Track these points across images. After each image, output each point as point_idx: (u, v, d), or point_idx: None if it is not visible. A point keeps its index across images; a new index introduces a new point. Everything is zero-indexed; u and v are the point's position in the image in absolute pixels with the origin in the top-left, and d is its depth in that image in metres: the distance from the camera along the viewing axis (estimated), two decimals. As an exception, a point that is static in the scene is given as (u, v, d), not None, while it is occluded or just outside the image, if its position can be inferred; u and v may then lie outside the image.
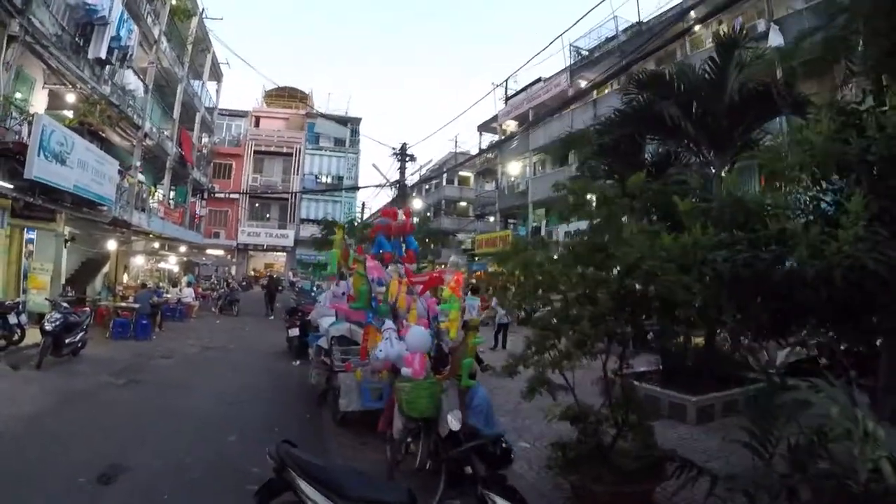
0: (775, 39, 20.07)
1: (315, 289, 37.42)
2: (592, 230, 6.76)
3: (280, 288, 46.12)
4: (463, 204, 56.56)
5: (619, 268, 5.80)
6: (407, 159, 32.57)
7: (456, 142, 53.68)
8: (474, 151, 48.43)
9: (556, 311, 6.18)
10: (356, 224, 43.47)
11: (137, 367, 13.81)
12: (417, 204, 47.45)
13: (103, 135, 21.57)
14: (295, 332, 16.66)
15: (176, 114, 29.74)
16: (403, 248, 9.61)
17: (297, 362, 15.53)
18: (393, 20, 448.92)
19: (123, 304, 19.51)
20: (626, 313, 5.95)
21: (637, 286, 5.75)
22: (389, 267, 8.61)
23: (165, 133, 28.52)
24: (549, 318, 6.19)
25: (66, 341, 13.34)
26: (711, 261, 4.64)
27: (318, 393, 11.05)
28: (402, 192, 32.67)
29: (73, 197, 17.02)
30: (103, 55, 18.57)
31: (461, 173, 54.83)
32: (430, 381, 6.62)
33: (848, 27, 9.15)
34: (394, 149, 32.35)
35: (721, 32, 13.51)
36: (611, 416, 6.16)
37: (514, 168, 43.84)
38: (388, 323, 7.86)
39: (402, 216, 9.72)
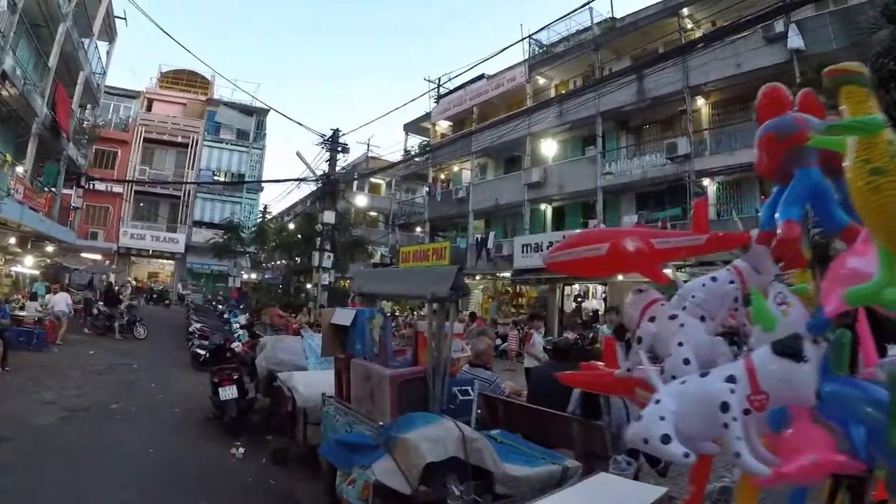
0: (795, 42, 19.04)
1: (217, 306, 29.90)
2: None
3: (166, 302, 38.45)
4: (373, 214, 49.52)
5: None
6: (339, 150, 25.72)
7: (369, 145, 47.08)
8: (391, 155, 42.57)
9: None
10: (268, 228, 36.62)
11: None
12: (361, 201, 40.52)
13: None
14: (231, 392, 9.36)
15: (52, 62, 21.70)
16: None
17: (241, 448, 8.40)
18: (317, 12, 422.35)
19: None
20: None
21: None
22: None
23: (36, 86, 20.47)
24: None
25: None
26: None
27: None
28: (333, 187, 25.65)
29: None
30: None
31: (372, 180, 48.20)
32: None
33: None
34: (323, 136, 25.39)
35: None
36: None
37: (446, 173, 38.86)
38: None
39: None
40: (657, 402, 2.97)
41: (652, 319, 3.81)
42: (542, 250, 26.05)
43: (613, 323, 11.85)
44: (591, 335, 19.94)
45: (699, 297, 4.13)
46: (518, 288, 31.23)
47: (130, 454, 7.90)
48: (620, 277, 24.16)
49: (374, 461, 4.51)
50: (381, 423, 5.21)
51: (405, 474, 4.29)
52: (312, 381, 7.57)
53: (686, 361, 3.44)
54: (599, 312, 26.36)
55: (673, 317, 3.76)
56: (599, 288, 27.45)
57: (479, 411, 5.99)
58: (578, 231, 4.45)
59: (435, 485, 4.27)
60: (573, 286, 28.21)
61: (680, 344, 3.52)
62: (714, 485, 3.69)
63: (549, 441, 5.56)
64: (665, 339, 3.68)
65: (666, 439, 2.78)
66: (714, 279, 4.12)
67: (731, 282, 4.07)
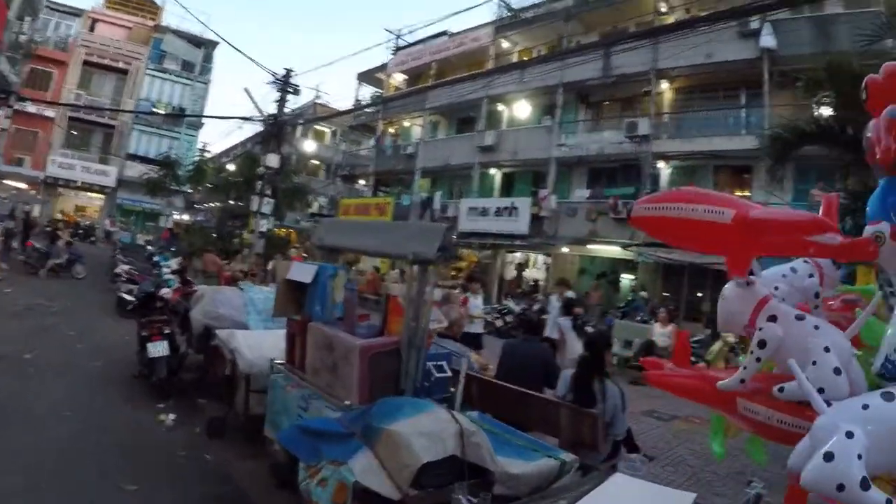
0: (768, 41, 19.08)
1: (146, 246, 28.14)
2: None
3: (92, 239, 36.22)
4: (315, 162, 48.06)
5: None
6: (290, 91, 24.32)
7: (318, 91, 45.52)
8: (340, 103, 41.27)
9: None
10: (206, 167, 34.91)
11: None
12: (309, 146, 38.98)
13: None
14: (161, 349, 8.19)
15: (-11, -35, 19.55)
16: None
17: (171, 415, 7.28)
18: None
19: None
20: None
21: None
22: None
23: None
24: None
25: None
26: None
27: None
28: (279, 130, 24.31)
29: None
30: None
31: (316, 127, 46.84)
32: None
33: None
34: (274, 74, 23.89)
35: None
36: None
37: (396, 128, 37.96)
38: None
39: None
40: (849, 434, 2.33)
41: (772, 319, 3.18)
42: (488, 215, 25.95)
43: (563, 297, 11.31)
44: (537, 307, 19.45)
45: (782, 289, 3.66)
46: (458, 251, 30.67)
47: (42, 418, 6.71)
48: (565, 249, 23.95)
49: (349, 456, 3.65)
50: (348, 403, 4.44)
51: (392, 476, 3.46)
52: (258, 344, 6.59)
53: (837, 371, 2.91)
54: (540, 282, 26.05)
55: (801, 317, 3.20)
56: (541, 258, 27.21)
57: (452, 389, 5.17)
58: (682, 188, 3.61)
59: (427, 486, 3.52)
60: (515, 254, 27.94)
61: (826, 349, 3.00)
62: (748, 491, 3.27)
63: (526, 425, 5.04)
64: (795, 343, 3.09)
65: (865, 484, 2.23)
66: (794, 270, 3.92)
67: (811, 275, 3.88)
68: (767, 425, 3.30)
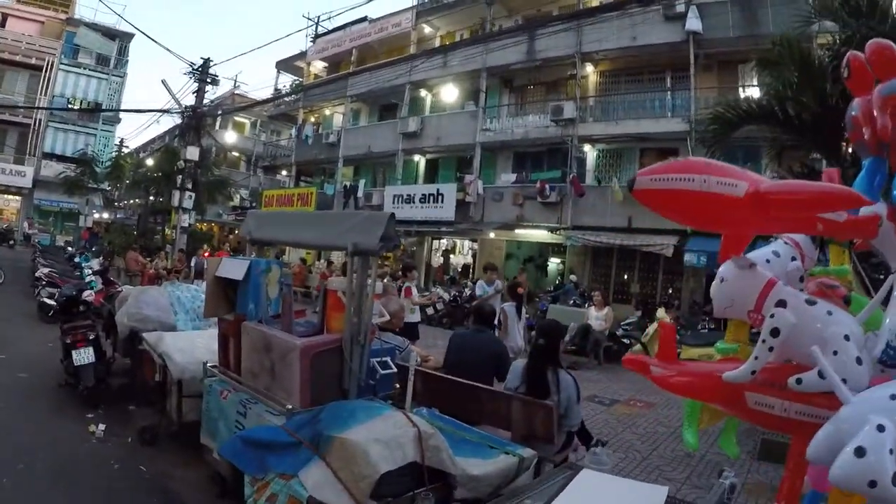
0: (693, 24, 18.67)
1: (66, 248, 26.78)
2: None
3: (11, 242, 34.53)
4: (235, 154, 46.41)
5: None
6: (209, 81, 23.71)
7: (236, 81, 44.38)
8: (258, 93, 40.29)
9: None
10: (124, 163, 33.58)
11: None
12: (230, 138, 37.89)
13: None
14: (87, 356, 7.56)
15: None
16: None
17: (101, 425, 6.66)
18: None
19: None
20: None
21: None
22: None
23: None
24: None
25: None
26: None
27: None
28: (198, 121, 23.57)
29: None
30: None
31: (236, 118, 45.34)
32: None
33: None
34: (192, 64, 23.13)
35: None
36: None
37: (317, 117, 36.89)
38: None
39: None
40: (881, 428, 2.17)
41: (781, 304, 2.97)
42: (413, 202, 25.58)
43: (493, 282, 11.09)
44: (468, 293, 19.28)
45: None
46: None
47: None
48: (492, 234, 23.84)
49: (299, 468, 3.37)
50: (290, 407, 4.15)
51: (349, 488, 3.18)
52: (188, 347, 6.16)
53: (858, 361, 2.78)
54: (469, 268, 26.01)
55: (812, 302, 3.00)
56: (467, 243, 27.16)
57: (398, 386, 5.01)
58: (691, 158, 3.43)
59: (385, 496, 3.33)
60: (442, 240, 27.75)
61: (847, 338, 2.82)
62: (721, 482, 3.13)
63: (476, 419, 4.89)
64: (807, 330, 2.90)
65: None
66: (777, 254, 3.72)
67: (794, 258, 3.72)
68: (784, 418, 3.12)
